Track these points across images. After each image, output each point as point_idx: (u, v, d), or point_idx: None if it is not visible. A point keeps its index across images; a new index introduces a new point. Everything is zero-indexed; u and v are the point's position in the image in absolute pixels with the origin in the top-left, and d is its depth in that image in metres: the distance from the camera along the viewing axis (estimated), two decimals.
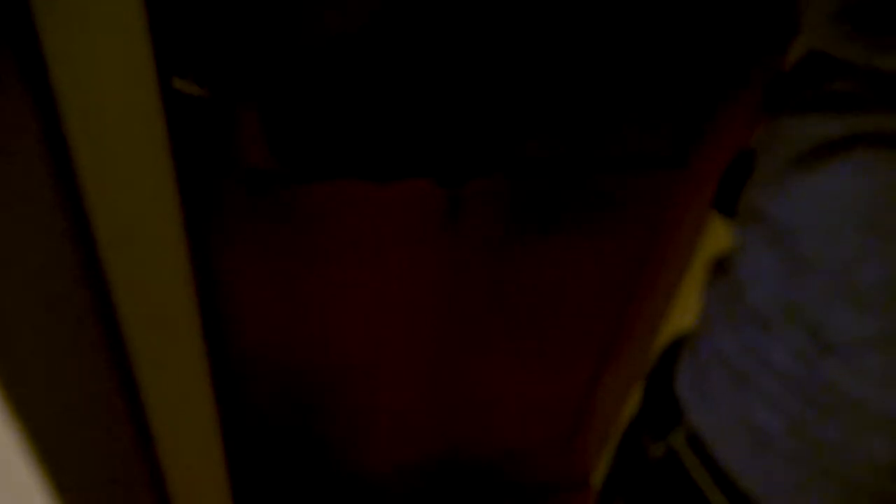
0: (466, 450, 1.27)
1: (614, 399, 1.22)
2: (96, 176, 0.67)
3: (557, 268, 1.00)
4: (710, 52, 0.77)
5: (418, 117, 0.48)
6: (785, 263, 0.39)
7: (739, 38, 0.67)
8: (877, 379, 0.36)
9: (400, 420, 1.16)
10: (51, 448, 0.69)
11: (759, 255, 0.42)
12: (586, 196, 0.92)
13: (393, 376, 1.08)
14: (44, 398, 0.68)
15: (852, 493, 0.40)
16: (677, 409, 0.50)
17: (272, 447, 1.12)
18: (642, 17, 0.40)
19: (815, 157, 0.37)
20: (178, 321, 0.83)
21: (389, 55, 0.46)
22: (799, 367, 0.39)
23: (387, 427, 1.16)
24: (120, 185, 0.69)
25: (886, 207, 0.34)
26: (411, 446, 1.21)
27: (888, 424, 0.37)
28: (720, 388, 0.45)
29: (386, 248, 0.90)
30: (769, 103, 0.43)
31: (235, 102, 0.68)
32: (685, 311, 1.05)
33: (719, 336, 0.45)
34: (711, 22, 0.40)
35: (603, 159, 0.88)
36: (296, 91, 0.55)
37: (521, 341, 1.09)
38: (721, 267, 0.48)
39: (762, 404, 0.42)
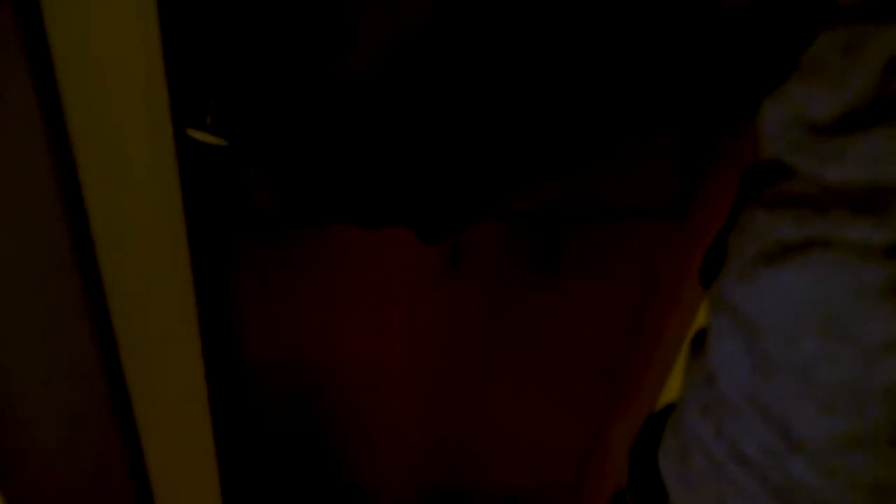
0: (468, 486, 1.26)
1: (624, 455, 1.20)
2: (101, 195, 0.70)
3: (560, 311, 0.99)
4: (709, 102, 0.76)
5: (409, 167, 0.47)
6: (751, 358, 0.38)
7: (738, 90, 0.67)
8: (842, 481, 0.35)
9: (399, 453, 1.15)
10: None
11: (726, 346, 0.40)
12: (586, 243, 0.91)
13: (394, 412, 1.08)
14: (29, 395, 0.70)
15: None
16: (663, 486, 0.49)
17: (266, 470, 1.13)
18: (636, 70, 0.39)
19: (776, 257, 0.36)
20: (176, 343, 0.84)
21: (384, 103, 0.46)
22: (768, 462, 0.38)
23: (386, 461, 1.16)
24: (127, 207, 0.71)
25: (842, 312, 0.33)
26: (412, 480, 1.21)
27: None
28: (699, 471, 0.43)
29: (389, 289, 0.91)
30: (740, 195, 0.42)
31: (245, 148, 0.70)
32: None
33: (697, 418, 0.44)
34: (707, 73, 0.40)
35: (599, 210, 0.88)
36: (293, 137, 0.56)
37: (523, 382, 1.09)
38: (698, 344, 0.46)
39: (734, 495, 0.40)
